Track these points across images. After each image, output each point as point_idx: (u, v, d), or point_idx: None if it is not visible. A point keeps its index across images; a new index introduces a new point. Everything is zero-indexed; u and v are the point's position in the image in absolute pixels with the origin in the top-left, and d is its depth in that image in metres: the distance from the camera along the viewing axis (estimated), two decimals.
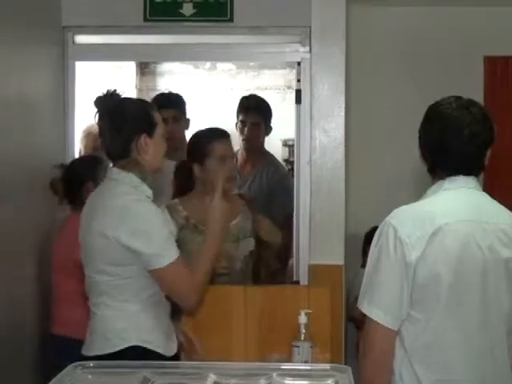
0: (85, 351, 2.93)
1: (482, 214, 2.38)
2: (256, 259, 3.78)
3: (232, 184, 3.63)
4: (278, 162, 5.13)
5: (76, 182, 3.74)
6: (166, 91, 4.78)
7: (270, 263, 3.82)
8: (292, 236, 4.19)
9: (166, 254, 2.82)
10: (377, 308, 2.31)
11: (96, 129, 4.66)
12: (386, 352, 2.33)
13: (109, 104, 2.95)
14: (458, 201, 2.40)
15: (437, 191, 2.42)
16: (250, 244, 3.65)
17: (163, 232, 2.85)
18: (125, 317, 2.89)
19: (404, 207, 2.39)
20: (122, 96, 3.00)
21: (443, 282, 2.28)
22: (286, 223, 4.29)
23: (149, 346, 2.87)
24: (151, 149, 2.93)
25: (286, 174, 4.93)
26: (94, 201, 2.98)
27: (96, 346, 2.90)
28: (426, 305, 2.31)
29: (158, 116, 2.99)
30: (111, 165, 3.00)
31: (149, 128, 2.93)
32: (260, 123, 4.79)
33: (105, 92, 2.98)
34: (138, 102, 3.13)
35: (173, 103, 4.57)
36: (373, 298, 2.32)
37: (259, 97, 5.05)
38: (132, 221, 2.82)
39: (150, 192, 2.94)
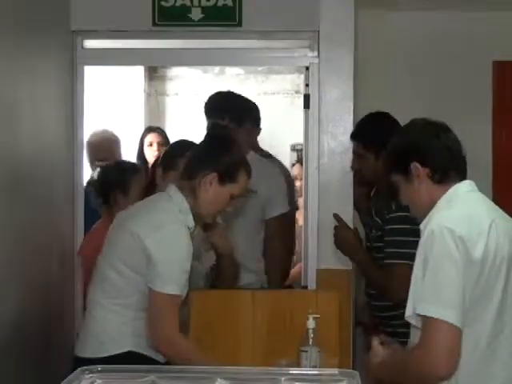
0: (77, 351, 2.95)
1: (501, 212, 2.51)
2: (216, 274, 3.50)
3: None
4: None
5: (104, 187, 3.80)
6: (225, 91, 4.26)
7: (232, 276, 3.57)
8: None
9: (171, 282, 2.81)
10: (444, 308, 2.27)
11: (96, 138, 4.70)
12: (456, 350, 2.29)
13: (220, 131, 2.99)
14: (485, 202, 2.51)
15: (460, 194, 2.46)
16: (211, 258, 3.45)
17: (183, 266, 2.85)
18: (121, 322, 2.90)
19: (445, 212, 2.41)
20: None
21: (502, 274, 2.35)
22: None
23: (143, 352, 2.88)
24: (212, 194, 2.91)
25: None
26: (141, 205, 3.04)
27: (89, 348, 2.91)
28: (486, 300, 2.34)
29: (243, 178, 2.94)
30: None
31: (225, 176, 2.90)
32: None
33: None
34: (240, 152, 3.03)
35: (233, 109, 4.08)
36: (439, 299, 2.29)
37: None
38: (163, 236, 2.83)
39: (192, 224, 2.93)
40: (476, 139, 4.87)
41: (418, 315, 2.33)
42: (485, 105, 5.01)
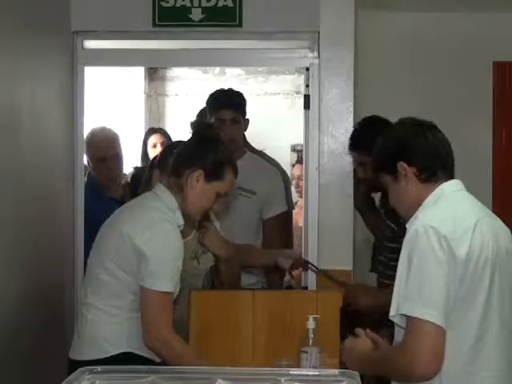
0: (72, 354, 2.93)
1: (488, 211, 2.51)
2: (215, 275, 3.50)
3: None
4: None
5: (136, 187, 3.82)
6: (226, 88, 4.40)
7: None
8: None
9: (163, 280, 2.81)
10: (428, 308, 2.27)
11: (97, 136, 4.68)
12: (440, 350, 2.29)
13: (205, 131, 3.01)
14: (471, 201, 2.49)
15: (446, 193, 2.46)
16: (210, 259, 3.44)
17: (174, 263, 2.85)
18: (115, 323, 2.89)
19: (430, 211, 2.41)
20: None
21: (487, 274, 2.34)
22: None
23: (138, 352, 2.87)
24: (198, 191, 2.91)
25: None
26: (129, 205, 3.05)
27: (84, 350, 2.89)
28: (471, 300, 2.33)
29: (229, 176, 2.95)
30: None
31: (211, 173, 2.91)
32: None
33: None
34: (227, 150, 3.02)
35: (233, 104, 4.21)
36: (423, 299, 2.28)
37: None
38: (153, 234, 2.83)
39: (182, 222, 2.93)
40: (476, 139, 4.89)
41: (403, 315, 2.33)
42: (485, 105, 5.01)
